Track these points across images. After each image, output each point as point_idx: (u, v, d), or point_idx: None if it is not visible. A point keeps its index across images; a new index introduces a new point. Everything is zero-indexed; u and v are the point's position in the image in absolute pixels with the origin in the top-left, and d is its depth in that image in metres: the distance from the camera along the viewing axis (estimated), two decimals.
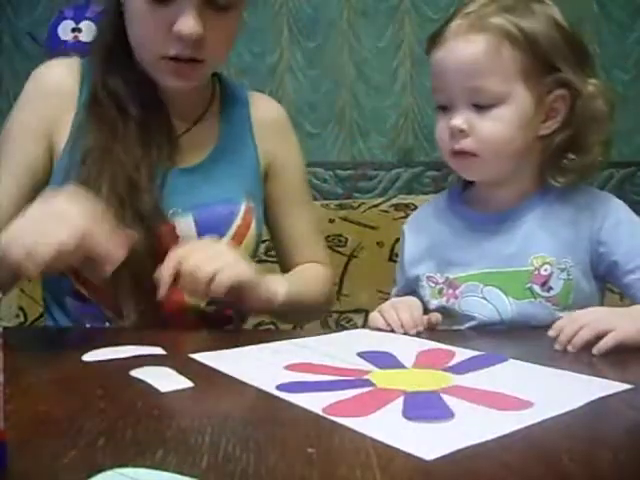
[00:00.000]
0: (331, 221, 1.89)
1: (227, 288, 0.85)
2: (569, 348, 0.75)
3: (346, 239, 1.91)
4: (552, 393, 0.61)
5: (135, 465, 0.43)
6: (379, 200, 2.04)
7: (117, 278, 0.88)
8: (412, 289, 1.01)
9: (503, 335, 0.90)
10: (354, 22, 2.60)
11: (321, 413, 0.54)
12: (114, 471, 0.41)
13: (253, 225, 1.03)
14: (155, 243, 0.93)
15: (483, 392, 0.60)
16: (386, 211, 1.94)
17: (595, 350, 0.74)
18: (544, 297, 0.91)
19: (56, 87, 1.01)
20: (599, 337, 0.75)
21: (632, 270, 0.90)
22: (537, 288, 0.91)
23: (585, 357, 0.74)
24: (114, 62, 0.99)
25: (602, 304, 0.96)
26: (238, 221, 1.01)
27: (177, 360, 0.71)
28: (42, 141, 0.98)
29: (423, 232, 1.02)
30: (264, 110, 1.11)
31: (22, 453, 0.45)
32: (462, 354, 0.74)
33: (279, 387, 0.61)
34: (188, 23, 0.89)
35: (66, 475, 0.43)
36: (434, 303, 0.96)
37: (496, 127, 0.89)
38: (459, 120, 0.89)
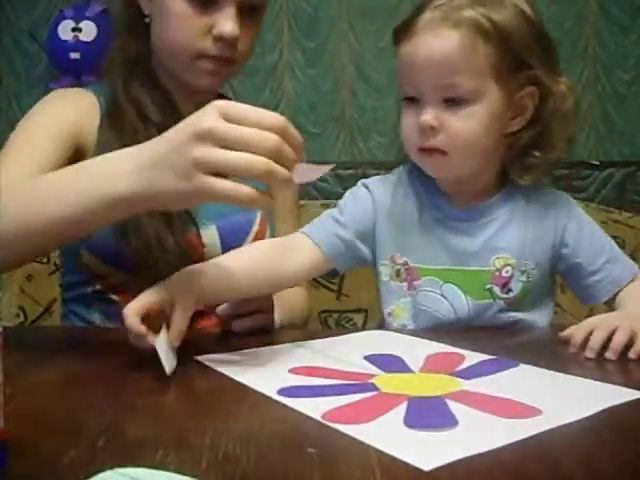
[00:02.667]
0: None
1: (246, 330, 0.86)
2: (609, 355, 0.73)
3: None
4: (562, 401, 0.60)
5: (135, 465, 0.43)
6: None
7: (148, 283, 0.91)
8: (344, 248, 0.93)
9: (516, 338, 0.90)
10: (354, 22, 2.60)
11: (320, 419, 0.54)
12: (114, 471, 0.41)
13: (268, 232, 1.10)
14: (184, 249, 0.97)
15: (490, 398, 0.59)
16: None
17: (633, 354, 0.73)
18: (503, 298, 0.91)
19: (78, 99, 1.03)
20: (632, 339, 0.74)
21: (593, 272, 0.91)
22: (497, 289, 0.91)
23: (600, 363, 0.73)
24: (136, 71, 1.03)
25: (555, 300, 0.98)
26: (255, 228, 1.08)
27: (182, 362, 0.71)
28: (66, 147, 0.96)
29: (394, 205, 0.96)
30: None
31: (22, 453, 0.45)
32: (472, 358, 0.73)
33: (280, 392, 0.61)
34: (230, 25, 0.96)
35: (66, 475, 0.43)
36: (393, 285, 0.94)
37: (468, 125, 0.86)
38: (429, 116, 0.86)
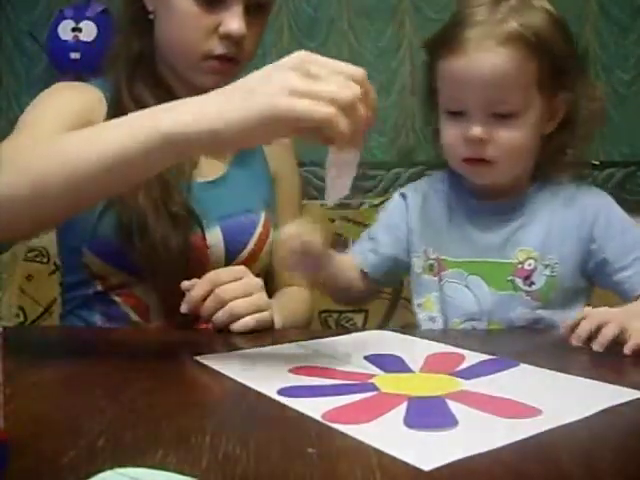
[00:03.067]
0: (331, 221, 1.89)
1: (247, 330, 0.86)
2: (596, 347, 0.74)
3: (346, 239, 1.91)
4: (562, 400, 0.59)
5: (135, 465, 0.43)
6: (379, 200, 2.03)
7: (150, 283, 0.92)
8: (379, 260, 1.02)
9: (517, 337, 0.90)
10: (354, 22, 2.59)
11: (320, 419, 0.53)
12: (114, 471, 0.41)
13: (272, 233, 1.09)
14: (188, 250, 0.96)
15: (490, 398, 0.59)
16: None
17: (628, 350, 0.73)
18: (525, 291, 0.92)
19: (83, 92, 1.02)
20: (622, 335, 0.74)
21: (624, 267, 0.91)
22: (519, 281, 0.92)
23: (600, 361, 0.73)
24: (140, 69, 1.02)
25: (589, 303, 0.96)
26: (259, 229, 1.07)
27: (181, 362, 0.71)
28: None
29: (425, 204, 1.01)
30: None
31: (22, 453, 0.45)
32: (472, 358, 0.73)
33: (280, 392, 0.61)
34: (237, 23, 0.95)
35: (66, 475, 0.43)
36: (426, 278, 0.98)
37: (515, 136, 0.89)
38: (479, 130, 0.88)
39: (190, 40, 0.97)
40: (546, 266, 0.92)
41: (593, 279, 0.96)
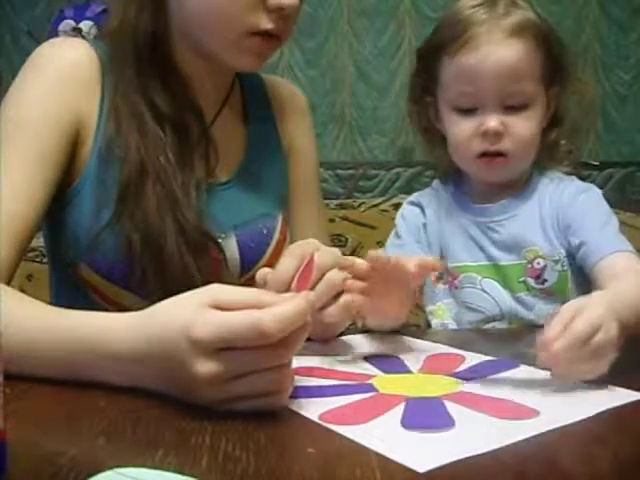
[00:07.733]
0: (331, 221, 1.89)
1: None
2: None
3: (346, 239, 1.92)
4: (561, 402, 0.59)
5: (135, 465, 0.43)
6: (379, 200, 2.04)
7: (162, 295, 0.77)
8: None
9: (518, 338, 0.90)
10: (354, 22, 2.60)
11: (318, 420, 0.53)
12: (114, 471, 0.41)
13: (288, 235, 0.98)
14: (203, 263, 0.84)
15: (488, 399, 0.59)
16: (386, 211, 1.95)
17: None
18: (538, 289, 0.92)
19: (76, 70, 0.86)
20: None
21: (584, 242, 0.88)
22: (531, 281, 0.93)
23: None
24: (151, 53, 0.88)
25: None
26: (277, 235, 0.95)
27: None
28: (65, 134, 0.84)
29: (432, 210, 1.02)
30: (281, 90, 1.07)
31: (22, 453, 0.45)
32: (472, 359, 0.72)
33: None
34: None
35: (66, 475, 0.43)
36: (440, 287, 0.98)
37: (528, 127, 0.91)
38: (495, 122, 0.89)
39: (232, 12, 0.82)
40: (556, 262, 0.92)
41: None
